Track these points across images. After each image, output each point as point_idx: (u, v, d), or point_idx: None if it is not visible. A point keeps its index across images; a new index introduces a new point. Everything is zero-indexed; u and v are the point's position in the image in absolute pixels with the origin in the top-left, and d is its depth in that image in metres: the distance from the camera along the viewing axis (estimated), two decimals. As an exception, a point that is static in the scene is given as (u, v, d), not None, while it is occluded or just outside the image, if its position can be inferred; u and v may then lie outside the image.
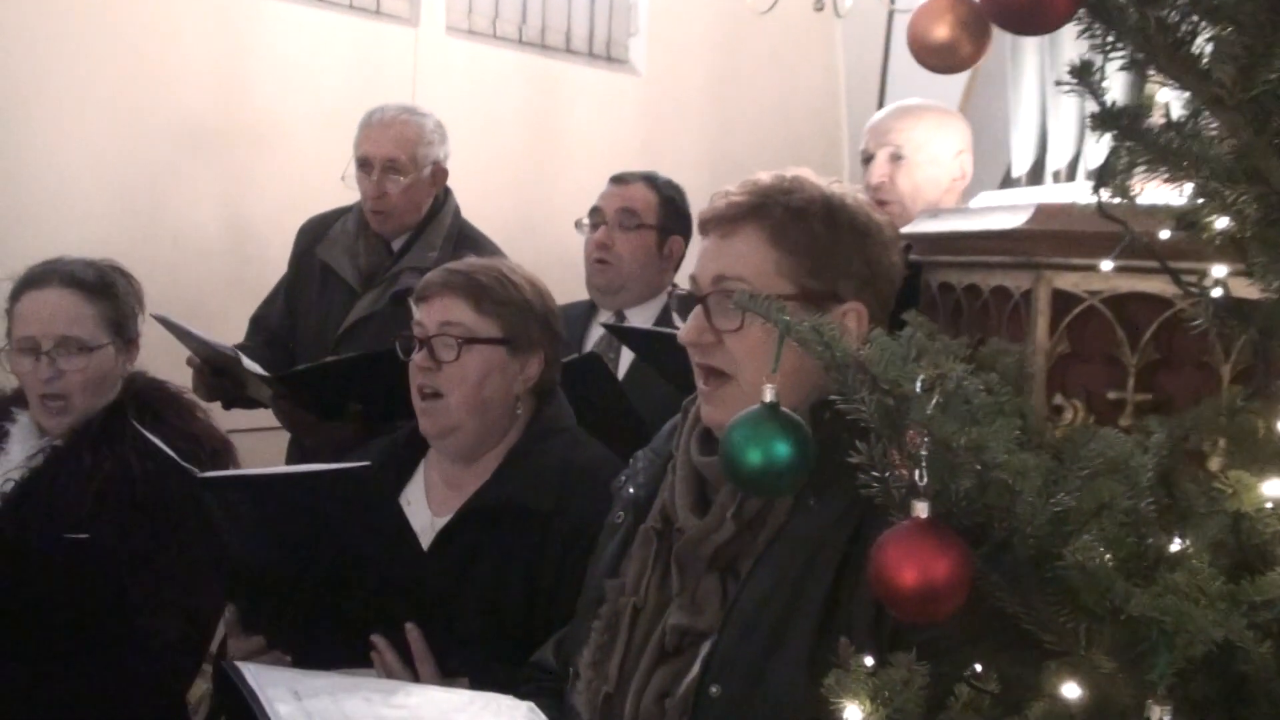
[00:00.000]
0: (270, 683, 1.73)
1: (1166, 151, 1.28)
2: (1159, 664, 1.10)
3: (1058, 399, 2.06)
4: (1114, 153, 1.44)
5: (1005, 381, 1.36)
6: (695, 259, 1.88)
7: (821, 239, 1.78)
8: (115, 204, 4.01)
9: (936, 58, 1.40)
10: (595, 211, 3.40)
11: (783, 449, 1.25)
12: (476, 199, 3.74)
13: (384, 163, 3.46)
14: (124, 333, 2.62)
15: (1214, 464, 1.58)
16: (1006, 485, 1.17)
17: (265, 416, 3.32)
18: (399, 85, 4.54)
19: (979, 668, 1.41)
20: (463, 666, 2.07)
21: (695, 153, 5.25)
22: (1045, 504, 1.18)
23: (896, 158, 3.23)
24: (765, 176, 1.84)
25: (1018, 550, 1.21)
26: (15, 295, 2.60)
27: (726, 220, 1.81)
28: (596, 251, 3.35)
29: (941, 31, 1.38)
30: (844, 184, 1.89)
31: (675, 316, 1.89)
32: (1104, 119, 1.33)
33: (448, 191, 3.62)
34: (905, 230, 2.54)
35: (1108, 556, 1.19)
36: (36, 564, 2.28)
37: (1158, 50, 1.19)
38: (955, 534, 1.17)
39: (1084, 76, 1.34)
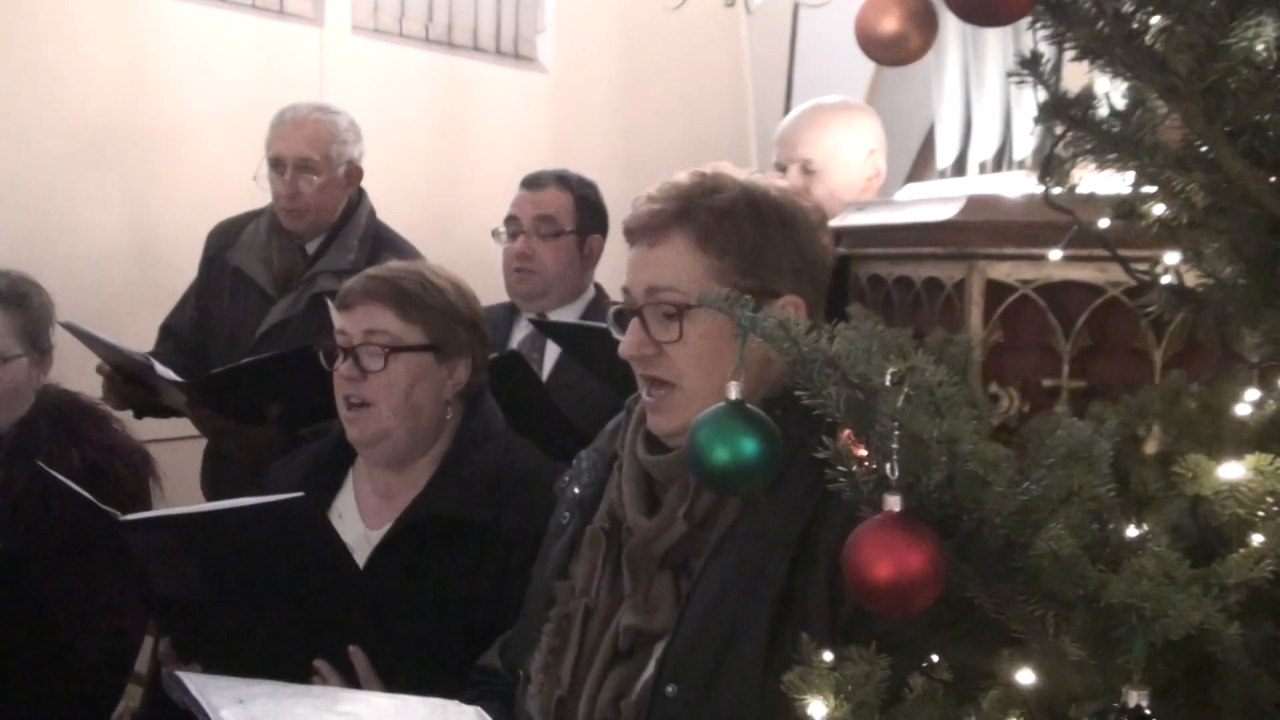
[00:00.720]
0: (213, 690, 1.68)
1: (1118, 140, 1.28)
2: (1135, 648, 1.11)
3: (993, 388, 2.07)
4: (1058, 142, 1.45)
5: (954, 372, 1.37)
6: (620, 262, 1.86)
7: (749, 237, 1.77)
8: (14, 211, 3.88)
9: (885, 50, 1.40)
10: (511, 220, 3.36)
11: (750, 445, 1.24)
12: (387, 199, 3.68)
13: (297, 162, 3.39)
14: (38, 344, 2.56)
15: (1150, 448, 1.60)
16: (976, 476, 1.17)
17: (180, 425, 3.24)
18: (305, 86, 4.46)
19: (935, 658, 1.42)
20: (408, 685, 2.03)
21: (604, 149, 5.23)
22: (1014, 494, 1.18)
23: (809, 170, 3.25)
24: (684, 177, 1.83)
25: (987, 540, 1.21)
26: None
27: (651, 229, 1.79)
28: (517, 261, 3.31)
29: (890, 24, 1.38)
30: (764, 175, 1.88)
31: (611, 324, 1.86)
32: (1054, 108, 1.34)
33: (361, 192, 3.55)
34: (833, 223, 2.55)
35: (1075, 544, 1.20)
36: None
37: (1113, 42, 1.20)
38: (928, 527, 1.17)
39: (1033, 67, 1.35)
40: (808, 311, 1.79)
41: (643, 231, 1.80)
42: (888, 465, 1.16)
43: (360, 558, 2.21)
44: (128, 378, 3.10)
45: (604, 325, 1.93)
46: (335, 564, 2.01)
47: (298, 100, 3.60)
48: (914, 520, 1.16)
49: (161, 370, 3.00)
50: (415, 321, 2.33)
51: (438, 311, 2.35)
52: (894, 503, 1.16)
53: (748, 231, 1.77)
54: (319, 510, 2.08)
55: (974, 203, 2.09)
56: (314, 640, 2.03)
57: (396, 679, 2.03)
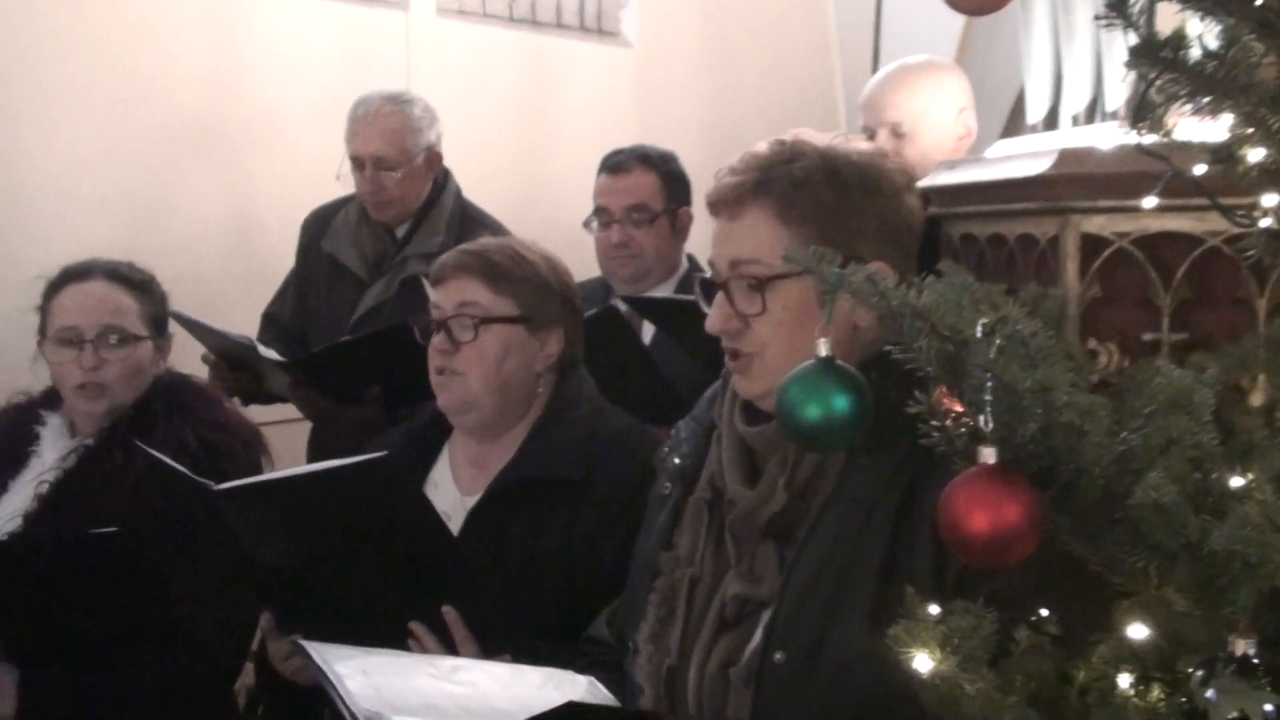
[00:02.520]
0: (338, 659, 1.72)
1: (1213, 82, 1.25)
2: (1240, 596, 1.09)
3: (1092, 343, 2.04)
4: (1150, 87, 1.42)
5: (1050, 325, 1.35)
6: (709, 233, 1.85)
7: (829, 205, 1.75)
8: (115, 205, 3.98)
9: (970, 1, 1.38)
10: (601, 210, 3.37)
11: (841, 401, 1.24)
12: (475, 179, 3.71)
13: (374, 160, 3.43)
14: (161, 330, 2.66)
15: (1255, 399, 1.57)
16: (1073, 426, 1.16)
17: (288, 409, 3.31)
18: (392, 70, 4.50)
19: (1044, 612, 1.40)
20: (504, 644, 2.06)
21: (691, 121, 5.22)
22: (1113, 443, 1.17)
23: (898, 133, 3.21)
24: (763, 147, 1.81)
25: (1085, 492, 1.20)
26: (53, 290, 2.63)
27: (732, 202, 1.78)
28: (615, 251, 3.32)
29: (974, -27, 1.37)
30: (845, 137, 1.85)
31: (700, 296, 1.86)
32: (1145, 52, 1.31)
33: (446, 173, 3.59)
34: (922, 184, 2.52)
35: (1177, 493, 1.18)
36: (73, 563, 2.27)
37: (1202, -22, 1.17)
38: (1023, 478, 1.16)
39: (1122, 10, 1.32)
40: (896, 275, 1.77)
41: (724, 204, 1.79)
42: (981, 417, 1.15)
43: (456, 524, 2.25)
44: (233, 366, 3.18)
45: (693, 298, 1.93)
46: (423, 523, 2.03)
47: (386, 86, 3.65)
48: (1009, 472, 1.15)
49: (264, 351, 3.06)
50: (506, 294, 2.35)
51: (529, 284, 2.37)
52: (988, 455, 1.15)
53: (827, 198, 1.75)
54: (402, 468, 2.11)
55: (1066, 155, 2.06)
56: (408, 603, 2.07)
57: (493, 640, 2.06)
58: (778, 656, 1.68)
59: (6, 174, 3.76)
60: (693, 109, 5.40)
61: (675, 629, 1.81)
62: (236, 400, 3.09)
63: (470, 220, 3.49)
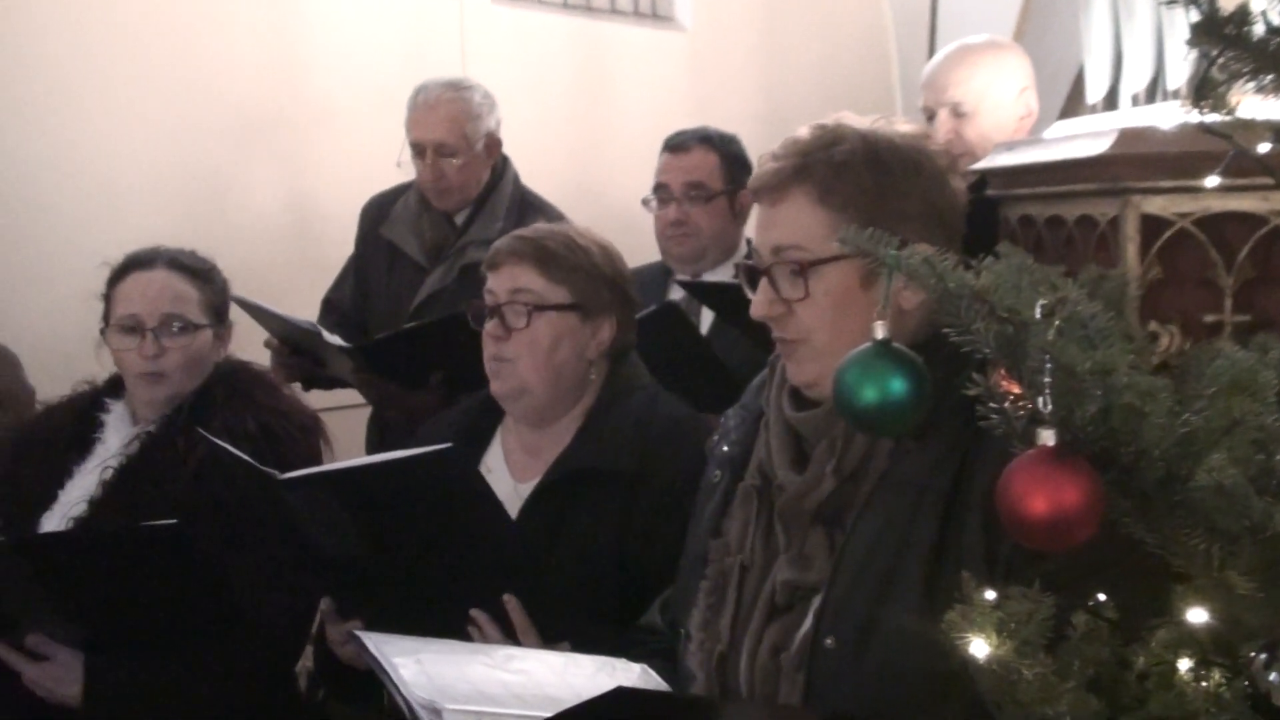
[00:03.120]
0: (394, 650, 1.74)
1: (1275, 59, 1.23)
2: (1305, 580, 1.08)
3: (1152, 325, 2.02)
4: (1213, 64, 1.40)
5: (1109, 307, 1.33)
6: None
7: (870, 189, 1.74)
8: (177, 194, 4.04)
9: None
10: (661, 188, 3.38)
11: (898, 385, 1.23)
12: (531, 165, 3.72)
13: (435, 146, 3.45)
14: (222, 318, 2.69)
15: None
16: (1133, 408, 1.15)
17: (346, 395, 3.34)
18: (448, 57, 4.53)
19: (1102, 597, 1.39)
20: (564, 633, 2.07)
21: (746, 105, 5.20)
22: (1174, 425, 1.16)
23: (959, 113, 3.18)
24: (805, 132, 1.81)
25: (1145, 474, 1.19)
26: (117, 277, 2.65)
27: (773, 188, 1.78)
28: (672, 229, 3.33)
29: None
30: (887, 119, 1.84)
31: (743, 281, 1.86)
32: (1208, 28, 1.29)
33: (505, 160, 3.60)
34: (979, 165, 2.50)
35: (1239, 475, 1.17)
36: (133, 553, 2.30)
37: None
38: (1083, 460, 1.15)
39: (1184, -13, 1.30)
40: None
41: (765, 190, 1.79)
42: (1040, 399, 1.14)
43: (510, 511, 2.25)
44: (294, 350, 3.21)
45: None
46: (487, 513, 2.05)
47: (441, 74, 3.67)
48: (1069, 454, 1.14)
49: (329, 337, 3.10)
50: (559, 281, 2.36)
51: (582, 271, 2.38)
52: (1048, 437, 1.15)
53: (868, 182, 1.75)
54: (469, 460, 2.13)
55: (1126, 135, 2.03)
56: (470, 591, 2.08)
57: (551, 628, 2.07)
58: (829, 641, 1.68)
59: (71, 163, 3.83)
60: (748, 93, 5.38)
61: (726, 615, 1.81)
62: (296, 386, 3.12)
63: (529, 206, 3.50)
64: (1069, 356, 1.11)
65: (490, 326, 2.38)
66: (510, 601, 2.06)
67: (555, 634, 2.07)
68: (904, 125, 1.85)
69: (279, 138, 4.29)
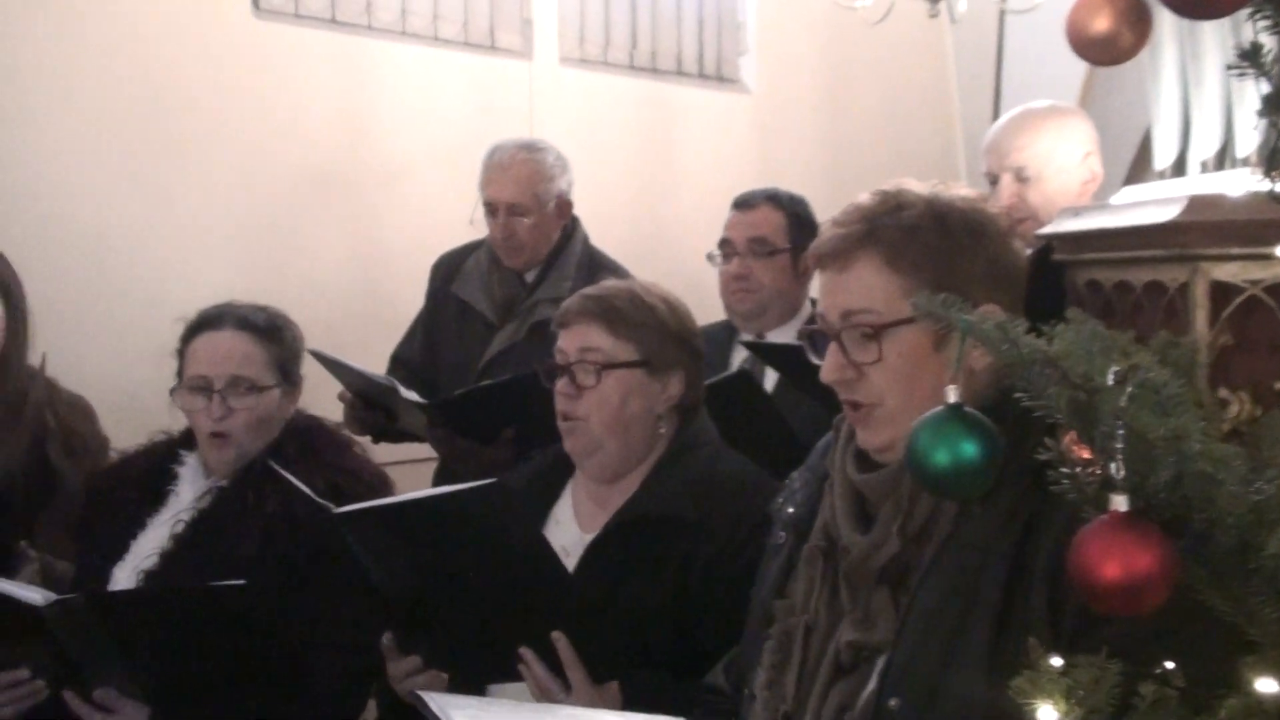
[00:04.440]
0: (455, 708, 1.75)
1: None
2: (1381, 651, 1.07)
3: (1222, 392, 2.01)
4: (1283, 135, 1.41)
5: (1180, 373, 1.34)
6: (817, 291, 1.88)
7: (938, 250, 1.77)
8: (251, 249, 4.12)
9: (1098, 50, 1.39)
10: (725, 243, 3.41)
11: (970, 449, 1.24)
12: (597, 224, 3.77)
13: (508, 206, 3.50)
14: (290, 376, 2.71)
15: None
16: (1206, 475, 1.15)
17: (416, 449, 3.38)
18: (516, 118, 4.60)
19: (1170, 665, 1.39)
20: (612, 672, 2.10)
21: (810, 167, 5.24)
22: (1247, 493, 1.16)
23: (1022, 178, 3.18)
24: (867, 198, 1.83)
25: (1219, 541, 1.19)
26: (189, 336, 2.68)
27: (840, 253, 1.80)
28: (734, 283, 3.36)
29: (1102, 23, 1.38)
30: (946, 184, 1.87)
31: (806, 346, 1.88)
32: (1277, 100, 1.30)
33: (575, 220, 3.65)
34: (1045, 230, 2.51)
35: (1313, 544, 1.17)
36: (200, 611, 2.32)
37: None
38: (1155, 527, 1.15)
39: (1254, 59, 1.32)
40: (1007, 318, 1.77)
41: (831, 256, 1.81)
42: (1113, 465, 1.15)
43: (574, 560, 2.29)
44: (368, 404, 3.26)
45: None
46: (531, 548, 2.08)
47: (509, 134, 3.73)
48: (1141, 520, 1.15)
49: (405, 393, 3.14)
50: (626, 338, 2.40)
51: (649, 328, 2.41)
52: (1120, 502, 1.15)
53: (936, 245, 1.77)
54: (512, 495, 2.16)
55: (1196, 202, 2.03)
56: (520, 629, 2.11)
57: (600, 668, 2.09)
58: (893, 703, 1.68)
59: (149, 219, 3.92)
60: (812, 155, 5.43)
61: (790, 676, 1.81)
62: (367, 440, 3.16)
63: (598, 266, 3.54)
64: (1142, 423, 1.12)
65: (561, 385, 2.41)
66: (559, 638, 2.09)
67: (603, 674, 2.10)
68: (963, 189, 1.88)
69: (349, 194, 4.36)
